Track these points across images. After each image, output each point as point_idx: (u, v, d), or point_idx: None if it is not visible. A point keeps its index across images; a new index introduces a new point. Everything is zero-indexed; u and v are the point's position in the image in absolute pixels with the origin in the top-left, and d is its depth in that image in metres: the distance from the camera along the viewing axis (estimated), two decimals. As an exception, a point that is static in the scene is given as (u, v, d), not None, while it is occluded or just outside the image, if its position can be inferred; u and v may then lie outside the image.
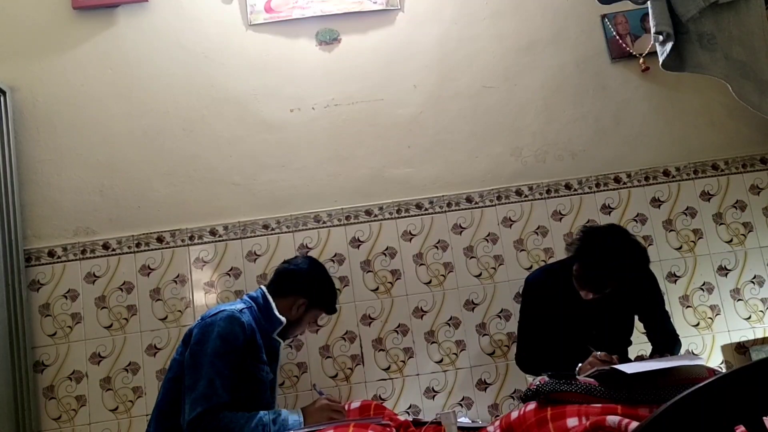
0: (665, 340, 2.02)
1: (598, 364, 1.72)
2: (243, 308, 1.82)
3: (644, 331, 2.11)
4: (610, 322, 2.00)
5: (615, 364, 1.66)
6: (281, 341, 1.93)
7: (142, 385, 2.25)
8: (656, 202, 2.50)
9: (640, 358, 1.94)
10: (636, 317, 2.11)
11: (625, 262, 1.79)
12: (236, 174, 2.44)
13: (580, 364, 1.80)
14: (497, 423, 1.61)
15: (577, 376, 1.55)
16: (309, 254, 2.34)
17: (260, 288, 1.96)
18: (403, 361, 2.34)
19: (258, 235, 2.39)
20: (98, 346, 2.27)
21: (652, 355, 2.00)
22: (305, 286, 1.94)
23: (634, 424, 1.18)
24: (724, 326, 2.40)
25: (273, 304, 1.88)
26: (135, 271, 2.33)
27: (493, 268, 2.41)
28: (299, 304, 1.92)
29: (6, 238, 2.22)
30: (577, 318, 1.98)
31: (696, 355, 2.33)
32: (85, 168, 2.41)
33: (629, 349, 2.12)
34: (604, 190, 2.48)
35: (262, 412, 1.70)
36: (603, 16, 2.60)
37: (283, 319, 1.88)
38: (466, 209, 2.45)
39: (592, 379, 1.53)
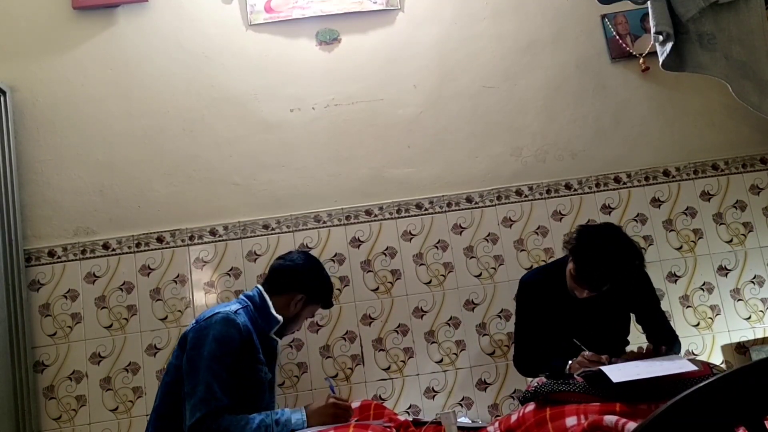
0: (665, 339, 2.01)
1: (586, 363, 1.72)
2: (238, 309, 1.81)
3: (643, 332, 2.11)
4: (606, 323, 1.99)
5: (604, 364, 1.65)
6: (279, 340, 1.92)
7: (142, 385, 2.25)
8: (656, 202, 2.50)
9: (633, 355, 1.88)
10: (633, 319, 2.10)
11: (621, 261, 1.80)
12: (236, 174, 2.44)
13: (570, 362, 1.80)
14: (496, 424, 1.61)
15: (573, 375, 1.55)
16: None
17: (257, 287, 1.94)
18: (403, 361, 2.34)
19: (258, 235, 2.38)
20: (98, 346, 2.27)
21: (650, 352, 1.97)
22: (302, 282, 1.92)
23: (631, 424, 1.18)
24: (724, 326, 2.40)
25: (270, 303, 1.87)
26: (135, 271, 2.33)
27: (493, 268, 2.41)
28: (297, 300, 1.91)
29: (6, 238, 2.22)
30: (573, 318, 1.98)
31: (691, 360, 2.31)
32: (85, 168, 2.41)
33: (626, 348, 2.11)
34: (604, 190, 2.48)
35: (263, 414, 1.69)
36: (603, 16, 2.60)
37: (280, 317, 1.87)
38: (466, 209, 2.45)
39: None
